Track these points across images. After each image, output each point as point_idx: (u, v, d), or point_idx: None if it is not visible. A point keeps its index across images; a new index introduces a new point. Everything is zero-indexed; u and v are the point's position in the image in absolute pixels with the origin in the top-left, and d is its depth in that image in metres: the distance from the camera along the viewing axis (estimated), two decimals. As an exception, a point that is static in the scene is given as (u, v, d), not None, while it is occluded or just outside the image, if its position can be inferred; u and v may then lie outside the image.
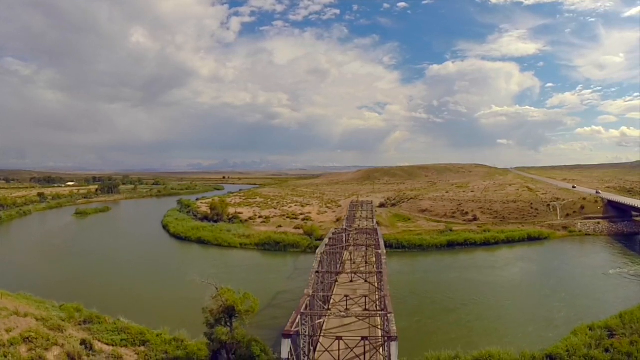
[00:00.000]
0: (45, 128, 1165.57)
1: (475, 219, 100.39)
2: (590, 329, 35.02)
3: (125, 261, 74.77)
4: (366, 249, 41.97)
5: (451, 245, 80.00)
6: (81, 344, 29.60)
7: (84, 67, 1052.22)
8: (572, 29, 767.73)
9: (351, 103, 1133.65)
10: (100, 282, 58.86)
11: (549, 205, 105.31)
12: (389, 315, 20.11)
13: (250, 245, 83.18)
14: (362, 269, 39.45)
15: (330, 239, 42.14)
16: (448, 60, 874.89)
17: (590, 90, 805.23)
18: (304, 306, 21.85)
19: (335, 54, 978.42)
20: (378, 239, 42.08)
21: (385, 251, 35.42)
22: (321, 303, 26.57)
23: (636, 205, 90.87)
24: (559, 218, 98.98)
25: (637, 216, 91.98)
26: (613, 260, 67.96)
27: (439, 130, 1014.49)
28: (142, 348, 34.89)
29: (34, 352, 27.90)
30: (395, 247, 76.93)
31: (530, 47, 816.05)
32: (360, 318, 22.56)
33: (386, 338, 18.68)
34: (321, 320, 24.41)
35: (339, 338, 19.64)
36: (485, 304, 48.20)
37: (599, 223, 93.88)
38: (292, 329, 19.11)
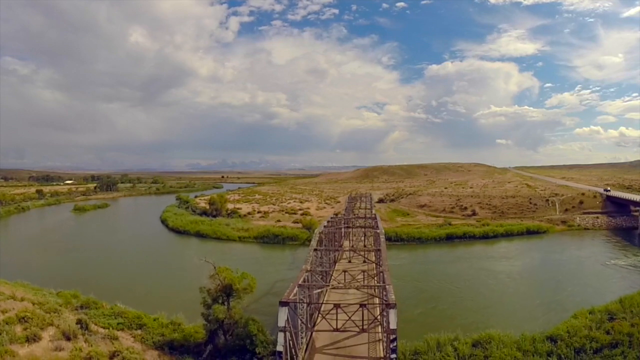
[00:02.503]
0: (43, 128, 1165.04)
1: (474, 213, 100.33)
2: (590, 313, 34.91)
3: (123, 253, 74.43)
4: (365, 231, 41.72)
5: (450, 238, 79.89)
6: (77, 323, 29.34)
7: (83, 66, 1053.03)
8: (571, 29, 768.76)
9: (350, 103, 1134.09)
10: (98, 273, 58.58)
11: (547, 200, 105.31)
12: (387, 286, 19.90)
13: (248, 239, 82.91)
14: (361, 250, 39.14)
15: (329, 221, 41.91)
16: (447, 60, 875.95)
17: (589, 91, 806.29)
18: (301, 279, 21.63)
19: (334, 54, 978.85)
20: (376, 221, 41.85)
21: (383, 231, 35.27)
22: (319, 278, 26.36)
23: (635, 200, 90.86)
24: (557, 213, 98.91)
25: (635, 211, 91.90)
26: (613, 252, 68.12)
27: (437, 130, 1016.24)
28: (139, 331, 34.65)
29: (29, 330, 27.62)
30: (393, 240, 76.67)
31: (529, 47, 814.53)
32: (360, 288, 22.35)
33: (385, 305, 18.47)
34: (320, 291, 24.21)
35: (337, 305, 19.44)
36: (500, 291, 48.98)
37: (597, 217, 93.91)
38: (290, 297, 18.89)
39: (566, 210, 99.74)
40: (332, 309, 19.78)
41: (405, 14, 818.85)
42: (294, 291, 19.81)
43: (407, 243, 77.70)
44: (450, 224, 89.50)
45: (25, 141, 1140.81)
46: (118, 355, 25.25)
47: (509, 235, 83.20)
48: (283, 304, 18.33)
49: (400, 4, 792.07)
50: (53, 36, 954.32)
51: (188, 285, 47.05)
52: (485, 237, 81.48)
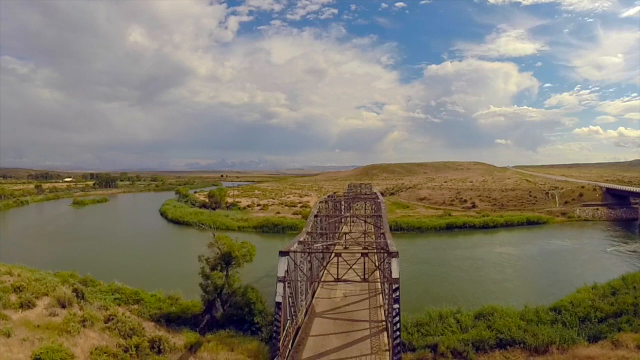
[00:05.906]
0: (42, 127, 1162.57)
1: (473, 206, 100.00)
2: (594, 289, 34.62)
3: (121, 242, 73.96)
4: (365, 202, 41.33)
5: (450, 228, 79.57)
6: (73, 291, 28.87)
7: (81, 66, 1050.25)
8: (570, 29, 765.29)
9: (349, 103, 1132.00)
10: (96, 260, 57.82)
11: (547, 193, 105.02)
12: (388, 241, 19.49)
13: (248, 228, 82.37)
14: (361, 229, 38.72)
15: (329, 196, 41.51)
16: (446, 60, 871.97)
17: (588, 91, 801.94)
18: (302, 237, 21.20)
19: (333, 54, 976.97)
20: (376, 194, 41.42)
21: (384, 200, 34.84)
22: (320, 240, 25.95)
23: (635, 191, 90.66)
24: (557, 205, 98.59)
25: (635, 202, 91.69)
26: (614, 240, 68.07)
27: (436, 130, 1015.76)
28: (136, 306, 34.20)
29: (23, 298, 27.17)
30: (394, 229, 75.86)
31: (528, 47, 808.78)
32: (361, 244, 21.98)
33: (386, 254, 18.06)
34: (320, 246, 23.80)
35: (337, 254, 19.03)
36: (521, 270, 50.81)
37: (597, 209, 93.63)
38: (290, 250, 18.45)
39: (566, 202, 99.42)
40: (333, 258, 19.37)
41: (405, 14, 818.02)
42: (294, 246, 19.41)
43: (407, 232, 77.37)
44: (450, 216, 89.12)
45: (24, 140, 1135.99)
46: (113, 318, 24.76)
47: (509, 225, 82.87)
48: (283, 253, 17.92)
49: (400, 4, 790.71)
50: (52, 35, 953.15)
51: (186, 270, 46.60)
52: (485, 227, 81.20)
